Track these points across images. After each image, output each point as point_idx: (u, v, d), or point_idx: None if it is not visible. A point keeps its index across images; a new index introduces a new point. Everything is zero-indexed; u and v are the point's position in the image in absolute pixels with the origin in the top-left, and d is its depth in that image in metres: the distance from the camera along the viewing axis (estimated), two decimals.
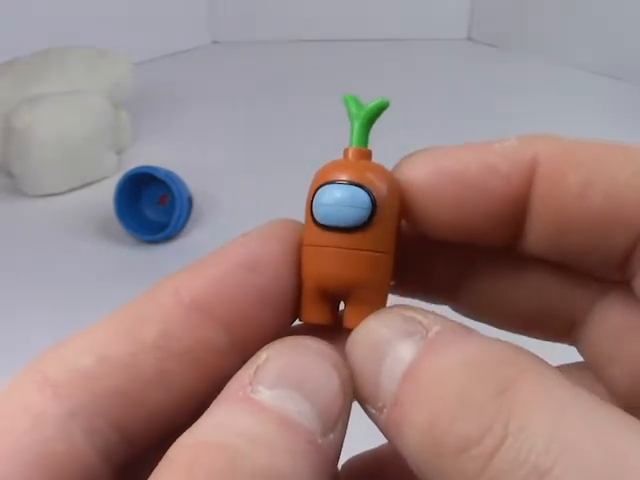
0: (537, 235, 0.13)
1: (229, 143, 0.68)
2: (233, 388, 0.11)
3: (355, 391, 0.12)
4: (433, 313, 0.12)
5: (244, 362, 0.12)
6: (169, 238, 0.50)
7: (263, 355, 0.11)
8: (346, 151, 0.14)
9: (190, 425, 0.11)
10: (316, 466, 0.11)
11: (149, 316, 0.12)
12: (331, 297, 0.13)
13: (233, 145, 0.68)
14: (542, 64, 0.88)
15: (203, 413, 0.12)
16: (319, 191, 0.13)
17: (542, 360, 0.11)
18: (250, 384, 0.11)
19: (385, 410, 0.11)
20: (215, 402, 0.11)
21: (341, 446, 0.11)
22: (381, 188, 0.13)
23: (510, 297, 0.14)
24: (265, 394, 0.11)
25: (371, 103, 0.13)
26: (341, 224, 0.13)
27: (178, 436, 0.11)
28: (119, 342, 0.12)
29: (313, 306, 0.13)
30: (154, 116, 0.74)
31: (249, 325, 0.13)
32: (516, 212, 0.13)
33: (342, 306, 0.14)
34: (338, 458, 0.11)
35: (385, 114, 0.14)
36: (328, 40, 0.99)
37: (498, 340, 0.11)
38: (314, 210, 0.13)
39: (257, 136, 0.70)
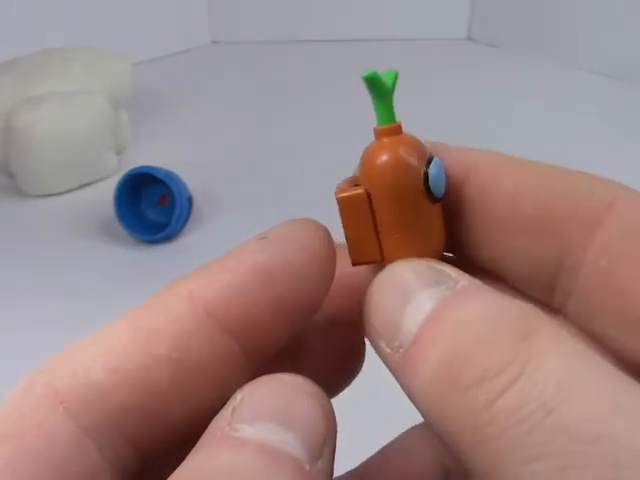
0: (468, 236, 0.14)
1: (229, 143, 0.68)
2: (212, 431, 0.11)
3: (371, 329, 0.12)
4: (461, 270, 0.12)
5: (255, 371, 0.12)
6: (169, 238, 0.50)
7: (238, 396, 0.11)
8: (385, 130, 0.13)
9: (201, 434, 0.11)
10: None
11: (163, 326, 0.12)
12: None
13: (233, 145, 0.68)
14: (542, 64, 0.87)
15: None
16: (433, 166, 0.13)
17: (556, 321, 0.11)
18: (229, 424, 0.11)
19: (401, 350, 0.11)
20: (195, 447, 0.11)
21: (331, 474, 0.11)
22: None
23: None
24: (245, 430, 0.11)
25: (388, 79, 0.13)
26: (444, 191, 0.13)
27: (188, 444, 0.11)
28: (132, 354, 0.12)
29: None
30: (154, 116, 0.74)
31: (261, 335, 0.12)
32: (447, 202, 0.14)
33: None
34: None
35: None
36: (328, 40, 0.99)
37: (516, 298, 0.12)
38: (434, 184, 0.13)
39: (257, 136, 0.70)
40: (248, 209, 0.56)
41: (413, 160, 0.13)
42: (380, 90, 0.13)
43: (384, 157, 0.13)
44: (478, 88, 0.82)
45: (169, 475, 0.11)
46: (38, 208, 0.56)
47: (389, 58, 0.94)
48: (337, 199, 0.14)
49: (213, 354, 0.12)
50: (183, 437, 0.12)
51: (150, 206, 0.52)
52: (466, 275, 0.12)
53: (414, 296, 0.12)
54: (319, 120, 0.72)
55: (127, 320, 0.12)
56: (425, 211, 0.13)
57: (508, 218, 0.13)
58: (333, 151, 0.57)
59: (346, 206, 0.13)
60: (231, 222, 0.53)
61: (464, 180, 0.14)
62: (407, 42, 0.98)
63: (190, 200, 0.51)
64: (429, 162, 0.13)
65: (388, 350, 0.12)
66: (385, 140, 0.13)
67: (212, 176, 0.60)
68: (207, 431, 0.11)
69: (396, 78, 0.13)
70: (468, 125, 0.70)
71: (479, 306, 0.11)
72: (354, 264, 0.14)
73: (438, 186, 0.13)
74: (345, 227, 0.14)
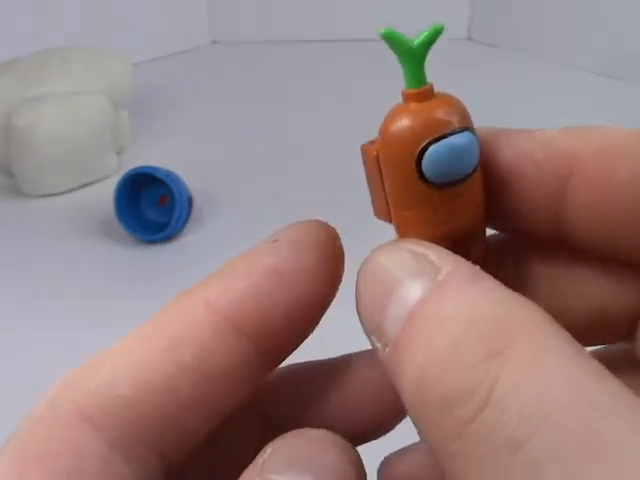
0: (580, 225, 0.13)
1: (229, 143, 0.68)
2: None
3: (362, 322, 0.12)
4: (447, 251, 0.12)
5: (271, 372, 0.12)
6: (169, 238, 0.50)
7: (268, 449, 0.11)
8: (410, 94, 0.12)
9: (214, 436, 0.11)
10: None
11: (183, 335, 0.12)
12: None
13: (233, 145, 0.68)
14: (542, 64, 0.87)
15: (228, 422, 0.12)
16: (434, 149, 0.11)
17: (547, 318, 0.10)
18: (259, 476, 0.11)
19: (387, 349, 0.11)
20: None
21: None
22: (471, 122, 0.12)
23: (562, 302, 0.14)
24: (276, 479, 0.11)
25: (423, 33, 0.12)
26: (462, 175, 0.12)
27: (208, 448, 0.12)
28: (155, 365, 0.12)
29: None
30: (154, 116, 0.74)
31: (278, 337, 0.12)
32: (550, 199, 0.13)
33: None
34: None
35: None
36: (328, 40, 0.98)
37: (505, 291, 0.11)
38: (429, 169, 0.12)
39: (257, 136, 0.70)
40: (248, 209, 0.56)
41: (417, 135, 0.11)
42: (400, 49, 0.12)
43: (389, 126, 0.12)
44: (478, 88, 0.82)
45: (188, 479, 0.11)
46: (38, 208, 0.56)
47: (389, 58, 0.94)
48: (360, 148, 0.13)
49: (232, 359, 0.12)
50: (203, 441, 0.12)
51: (150, 206, 0.52)
52: (450, 260, 0.11)
53: (395, 291, 0.11)
54: (319, 120, 0.71)
55: (146, 329, 0.12)
56: (425, 191, 0.12)
57: (629, 202, 0.12)
58: (333, 151, 0.57)
59: (365, 159, 0.13)
60: (231, 222, 0.53)
61: (562, 168, 0.13)
62: None
63: (190, 200, 0.51)
64: (437, 139, 0.11)
65: (378, 345, 0.12)
66: (404, 105, 0.12)
67: (212, 176, 0.59)
68: None
69: (438, 34, 0.12)
70: None
71: (454, 307, 0.10)
72: (376, 216, 0.13)
73: (439, 168, 0.11)
74: (366, 179, 0.13)
